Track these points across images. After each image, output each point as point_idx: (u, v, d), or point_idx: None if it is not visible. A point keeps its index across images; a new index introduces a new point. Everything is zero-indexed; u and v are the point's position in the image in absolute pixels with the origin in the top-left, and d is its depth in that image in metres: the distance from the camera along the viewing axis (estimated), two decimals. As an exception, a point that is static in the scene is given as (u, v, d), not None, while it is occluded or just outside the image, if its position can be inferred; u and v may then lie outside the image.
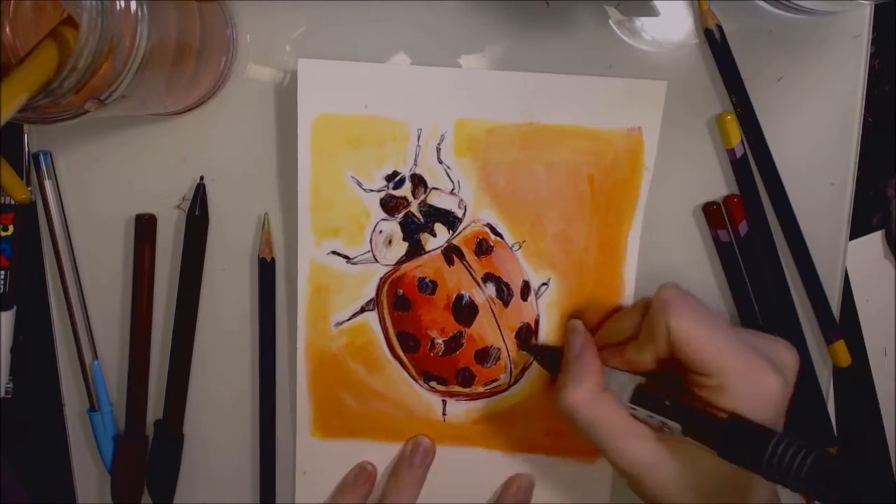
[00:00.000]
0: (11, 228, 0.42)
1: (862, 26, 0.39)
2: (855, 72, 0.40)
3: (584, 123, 0.39)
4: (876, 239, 0.45)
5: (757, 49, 0.39)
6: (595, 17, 0.39)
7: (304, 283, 0.41)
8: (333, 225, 0.40)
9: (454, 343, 0.42)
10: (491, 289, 0.41)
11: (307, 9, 0.39)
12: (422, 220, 0.41)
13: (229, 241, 0.42)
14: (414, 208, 0.40)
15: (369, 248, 0.41)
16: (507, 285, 0.41)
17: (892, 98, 0.43)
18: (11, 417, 0.45)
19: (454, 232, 0.41)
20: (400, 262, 0.41)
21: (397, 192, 0.40)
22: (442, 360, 0.42)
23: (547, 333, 0.42)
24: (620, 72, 0.40)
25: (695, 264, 0.42)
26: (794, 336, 0.41)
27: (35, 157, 0.41)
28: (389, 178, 0.40)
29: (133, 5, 0.28)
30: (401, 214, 0.40)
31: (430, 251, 0.41)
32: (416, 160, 0.40)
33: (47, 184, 0.41)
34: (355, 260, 0.41)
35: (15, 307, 0.43)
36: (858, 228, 0.43)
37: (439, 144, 0.40)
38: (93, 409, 0.43)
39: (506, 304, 0.41)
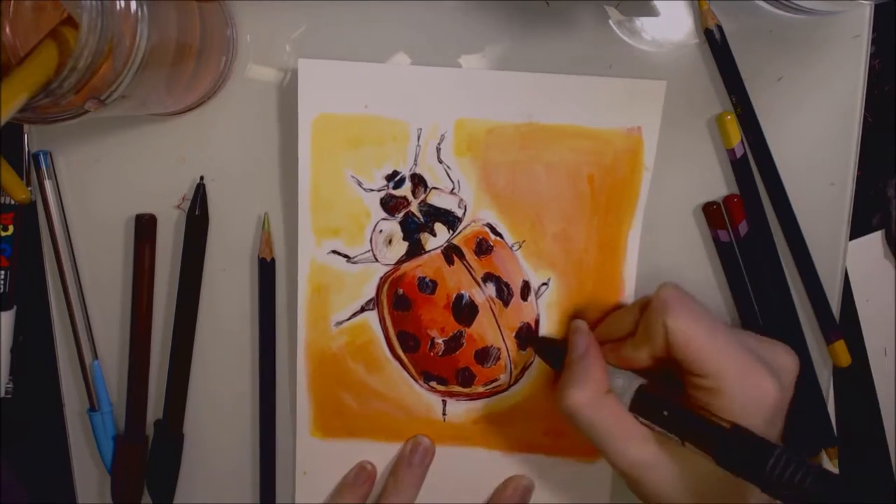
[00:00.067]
0: (11, 228, 0.42)
1: (862, 26, 0.39)
2: (855, 72, 0.40)
3: (584, 123, 0.39)
4: (876, 239, 0.45)
5: (757, 49, 0.39)
6: (595, 17, 0.39)
7: (304, 282, 0.41)
8: (333, 224, 0.40)
9: (454, 343, 0.42)
10: (491, 289, 0.41)
11: (307, 9, 0.39)
12: (422, 219, 0.41)
13: (229, 241, 0.42)
14: (414, 208, 0.40)
15: (369, 248, 0.41)
16: (507, 285, 0.41)
17: (892, 98, 0.43)
18: (11, 417, 0.45)
19: (454, 232, 0.41)
20: (400, 262, 0.41)
21: (397, 192, 0.40)
22: (442, 360, 0.42)
23: (547, 333, 0.42)
24: (620, 72, 0.40)
25: (695, 264, 0.42)
26: (794, 336, 0.41)
27: (35, 157, 0.41)
28: (389, 177, 0.40)
29: (133, 5, 0.28)
30: (401, 214, 0.40)
31: (430, 251, 0.41)
32: (416, 160, 0.40)
33: (47, 184, 0.41)
34: (355, 259, 0.41)
35: (15, 307, 0.43)
36: (858, 228, 0.43)
37: (439, 144, 0.40)
38: (93, 409, 0.43)
39: (506, 303, 0.41)
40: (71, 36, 0.28)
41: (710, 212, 0.41)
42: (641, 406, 0.35)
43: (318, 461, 0.43)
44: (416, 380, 0.42)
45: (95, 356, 0.43)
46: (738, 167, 0.40)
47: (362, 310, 0.42)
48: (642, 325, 0.36)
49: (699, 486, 0.34)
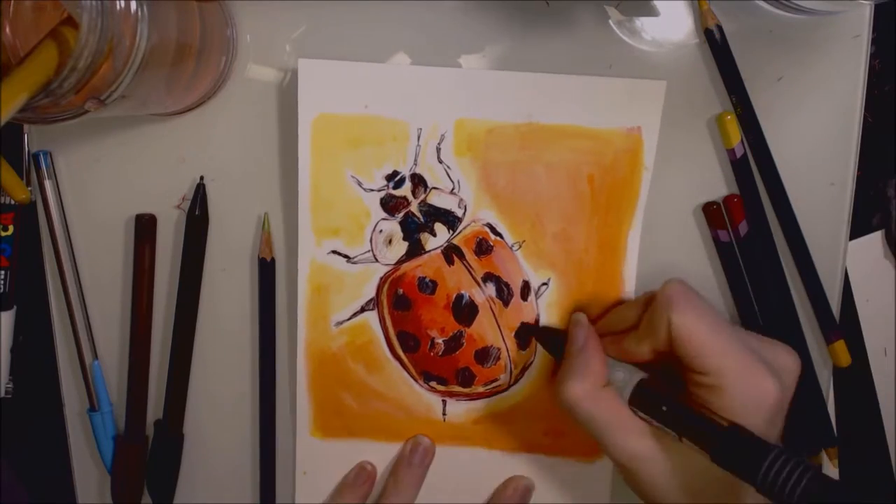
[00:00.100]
0: (11, 228, 0.42)
1: (862, 26, 0.39)
2: (855, 72, 0.40)
3: (584, 123, 0.39)
4: (876, 239, 0.45)
5: (757, 49, 0.39)
6: (595, 17, 0.39)
7: (304, 282, 0.41)
8: (333, 224, 0.40)
9: (454, 343, 0.42)
10: (491, 288, 0.41)
11: (307, 9, 0.39)
12: (422, 219, 0.41)
13: (229, 241, 0.42)
14: (414, 208, 0.40)
15: (369, 248, 0.41)
16: (507, 285, 0.41)
17: (892, 98, 0.43)
18: (11, 417, 0.45)
19: (454, 231, 0.41)
20: (400, 262, 0.41)
21: (397, 192, 0.40)
22: (442, 360, 0.42)
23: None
24: (620, 72, 0.40)
25: (695, 264, 0.42)
26: (794, 336, 0.41)
27: (35, 157, 0.41)
28: (389, 177, 0.40)
29: (133, 5, 0.28)
30: (401, 214, 0.40)
31: (430, 251, 0.41)
32: (416, 160, 0.40)
33: (47, 184, 0.41)
34: (355, 259, 0.41)
35: (15, 307, 0.43)
36: (858, 228, 0.43)
37: (439, 144, 0.40)
38: (93, 409, 0.43)
39: (506, 303, 0.41)
40: (71, 36, 0.28)
41: (710, 212, 0.41)
42: (641, 400, 0.35)
43: (318, 461, 0.43)
44: (416, 380, 0.42)
45: (95, 356, 0.43)
46: (738, 167, 0.40)
47: (362, 310, 0.42)
48: (646, 319, 0.36)
49: (695, 482, 0.34)
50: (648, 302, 0.37)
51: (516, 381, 0.42)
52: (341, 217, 0.40)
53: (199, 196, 0.41)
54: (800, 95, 0.40)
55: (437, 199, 0.40)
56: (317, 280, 0.41)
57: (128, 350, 0.43)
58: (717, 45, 0.39)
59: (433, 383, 0.42)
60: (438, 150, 0.40)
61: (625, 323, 0.38)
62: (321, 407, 0.43)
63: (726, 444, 0.31)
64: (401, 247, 0.41)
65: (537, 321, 0.42)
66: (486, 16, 0.39)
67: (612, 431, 0.35)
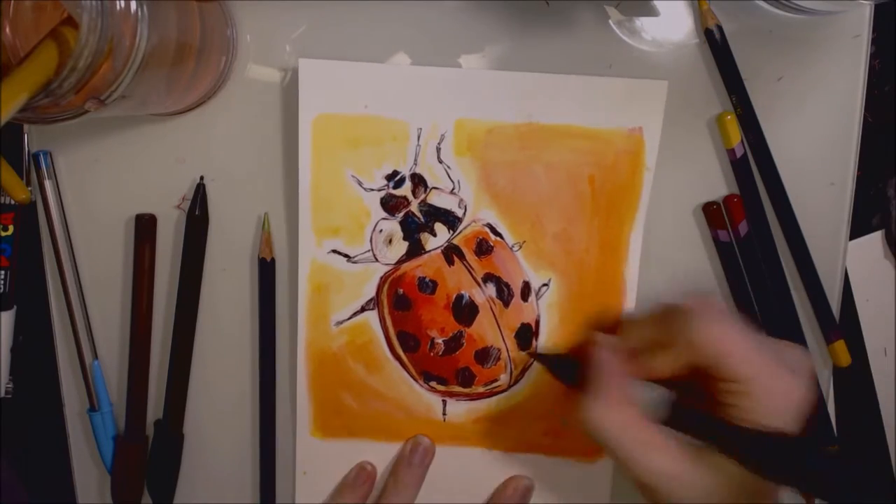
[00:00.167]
0: (11, 228, 0.42)
1: (862, 26, 0.39)
2: (855, 72, 0.40)
3: (585, 123, 0.39)
4: (876, 239, 0.45)
5: (757, 49, 0.39)
6: (595, 17, 0.39)
7: (304, 282, 0.41)
8: (334, 224, 0.40)
9: (454, 343, 0.42)
10: (491, 289, 0.41)
11: (307, 9, 0.39)
12: (422, 219, 0.41)
13: (229, 241, 0.42)
14: (414, 208, 0.40)
15: (369, 248, 0.41)
16: (507, 285, 0.41)
17: (892, 98, 0.43)
18: (11, 417, 0.45)
19: (454, 231, 0.41)
20: (400, 262, 0.41)
21: (397, 192, 0.40)
22: (442, 360, 0.42)
23: (547, 334, 0.42)
24: (620, 72, 0.40)
25: (695, 264, 0.42)
26: (794, 336, 0.41)
27: (35, 157, 0.41)
28: (389, 177, 0.40)
29: (133, 5, 0.28)
30: (401, 214, 0.40)
31: (430, 251, 0.41)
32: (416, 160, 0.40)
33: (47, 184, 0.41)
34: (356, 259, 0.41)
35: (15, 307, 0.43)
36: (858, 228, 0.43)
37: (439, 144, 0.40)
38: (93, 409, 0.43)
39: (506, 304, 0.41)
40: (71, 36, 0.28)
41: (710, 212, 0.41)
42: (677, 417, 0.34)
43: (318, 461, 0.43)
44: (416, 380, 0.42)
45: (95, 356, 0.43)
46: (738, 167, 0.40)
47: (362, 309, 0.42)
48: (668, 333, 0.35)
49: (721, 491, 0.34)
50: (664, 318, 0.36)
51: (516, 381, 0.42)
52: (341, 217, 0.40)
53: (199, 196, 0.41)
54: (800, 95, 0.40)
55: (437, 199, 0.40)
56: (317, 280, 0.41)
57: (128, 350, 0.43)
58: (717, 45, 0.39)
59: (433, 383, 0.42)
60: (438, 149, 0.40)
61: (641, 341, 0.37)
62: (321, 407, 0.43)
63: (770, 452, 0.31)
64: (401, 247, 0.41)
65: (538, 322, 0.41)
66: (486, 16, 0.39)
67: (639, 451, 0.34)
